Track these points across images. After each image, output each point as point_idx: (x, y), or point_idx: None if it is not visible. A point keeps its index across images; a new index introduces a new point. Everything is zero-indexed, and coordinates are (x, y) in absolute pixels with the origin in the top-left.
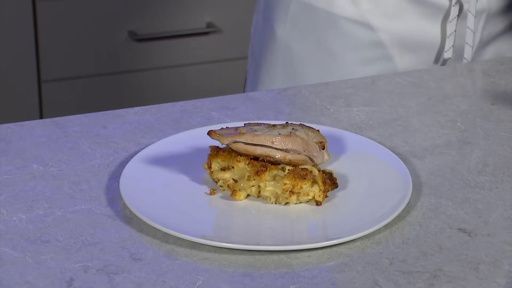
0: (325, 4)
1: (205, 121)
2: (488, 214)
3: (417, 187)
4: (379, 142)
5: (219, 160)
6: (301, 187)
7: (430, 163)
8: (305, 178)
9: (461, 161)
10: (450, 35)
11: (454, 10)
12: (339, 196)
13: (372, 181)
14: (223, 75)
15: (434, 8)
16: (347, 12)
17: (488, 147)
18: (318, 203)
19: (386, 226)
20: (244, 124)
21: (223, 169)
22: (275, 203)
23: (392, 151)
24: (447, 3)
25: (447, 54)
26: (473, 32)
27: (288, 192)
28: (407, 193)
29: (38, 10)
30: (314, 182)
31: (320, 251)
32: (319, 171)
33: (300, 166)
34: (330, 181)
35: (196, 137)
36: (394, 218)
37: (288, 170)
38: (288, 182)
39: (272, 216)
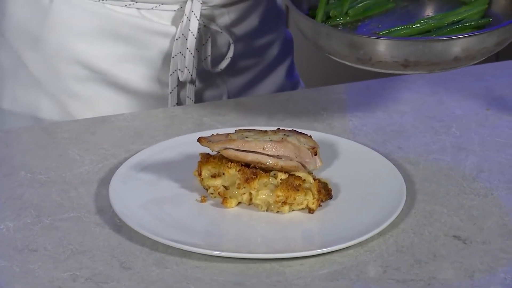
0: (29, 110)
1: (195, 127)
2: (483, 221)
3: (411, 194)
4: (372, 148)
5: (209, 167)
6: (294, 199)
7: (425, 169)
8: (298, 190)
9: (456, 167)
10: (173, 90)
11: (173, 80)
12: (332, 203)
13: (365, 187)
14: None
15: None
16: (55, 117)
17: (483, 153)
18: (311, 211)
19: (379, 234)
20: (235, 130)
21: (214, 176)
22: (267, 211)
23: (385, 157)
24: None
25: (171, 97)
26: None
27: (280, 203)
28: (401, 200)
29: None
30: (308, 190)
31: (313, 259)
32: (314, 179)
33: (295, 173)
34: (325, 191)
35: (187, 144)
36: (388, 226)
37: (281, 179)
38: (281, 194)
39: (264, 223)
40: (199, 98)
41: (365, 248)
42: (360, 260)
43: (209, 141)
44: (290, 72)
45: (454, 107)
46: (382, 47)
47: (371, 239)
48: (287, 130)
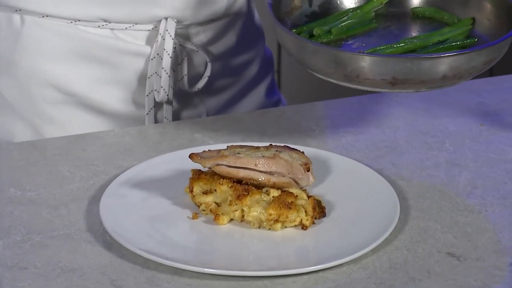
0: (3, 134)
1: (187, 143)
2: (477, 237)
3: (405, 210)
4: (365, 164)
5: (201, 183)
6: (287, 217)
7: (418, 186)
8: (290, 208)
9: (449, 183)
10: (150, 111)
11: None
12: (325, 220)
13: (358, 204)
14: None
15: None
16: (26, 137)
17: (477, 169)
18: (304, 227)
19: (373, 251)
20: (227, 146)
21: (205, 193)
22: (259, 228)
23: (379, 173)
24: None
25: (148, 118)
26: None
27: (272, 221)
28: (395, 217)
29: None
30: (301, 207)
31: (305, 277)
32: (308, 196)
33: (287, 190)
34: (319, 209)
35: (178, 160)
36: (382, 242)
37: (273, 196)
38: (273, 212)
39: (257, 240)
40: (176, 119)
41: (359, 265)
42: (354, 277)
43: (200, 158)
44: (271, 91)
45: (448, 122)
46: (371, 64)
47: (365, 256)
48: (279, 146)
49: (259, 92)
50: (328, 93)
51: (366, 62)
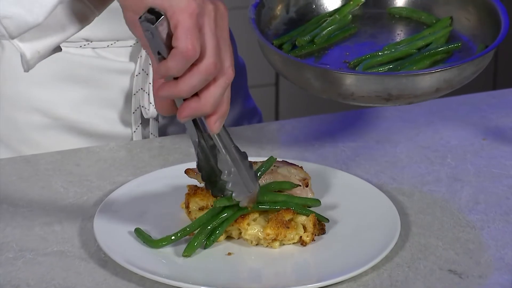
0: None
1: (183, 157)
2: (480, 254)
3: (406, 226)
4: (365, 179)
5: (197, 199)
6: (285, 236)
7: (419, 201)
8: (288, 227)
9: (451, 199)
10: (137, 129)
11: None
12: (324, 236)
13: (358, 220)
14: None
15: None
16: None
17: (479, 184)
18: (303, 244)
19: (373, 268)
20: None
21: (202, 209)
22: (257, 245)
23: (379, 189)
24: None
25: (136, 135)
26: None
27: (270, 240)
28: (395, 233)
29: None
30: (299, 224)
31: None
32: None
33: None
34: (318, 226)
35: (174, 175)
36: (382, 259)
37: (270, 216)
38: (271, 232)
39: (255, 258)
40: (162, 135)
41: (359, 283)
42: None
43: (196, 173)
44: (247, 99)
45: (450, 136)
46: (366, 82)
47: (365, 273)
48: (277, 161)
49: (238, 101)
50: (328, 107)
51: (361, 81)
